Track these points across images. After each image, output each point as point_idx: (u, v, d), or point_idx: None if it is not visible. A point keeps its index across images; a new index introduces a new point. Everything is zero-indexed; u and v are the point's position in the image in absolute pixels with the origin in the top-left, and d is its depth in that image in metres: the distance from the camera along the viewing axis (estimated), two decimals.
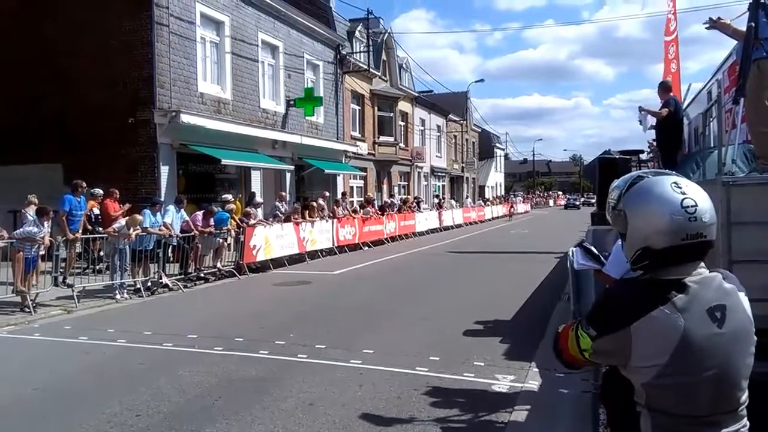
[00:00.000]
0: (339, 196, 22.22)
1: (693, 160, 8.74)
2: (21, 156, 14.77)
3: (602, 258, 2.86)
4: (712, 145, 7.92)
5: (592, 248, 2.78)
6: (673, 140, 8.28)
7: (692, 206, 1.57)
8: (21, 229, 9.52)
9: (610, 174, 7.38)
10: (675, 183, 1.63)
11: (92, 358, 6.80)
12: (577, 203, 65.73)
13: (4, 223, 10.31)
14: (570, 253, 7.66)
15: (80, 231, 11.42)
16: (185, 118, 15.04)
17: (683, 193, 1.60)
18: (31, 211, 9.73)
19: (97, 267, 11.87)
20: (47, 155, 14.82)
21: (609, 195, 1.77)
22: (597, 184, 7.28)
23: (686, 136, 9.72)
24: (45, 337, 7.88)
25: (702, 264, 1.64)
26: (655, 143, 9.34)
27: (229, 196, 14.95)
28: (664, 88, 8.51)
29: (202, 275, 12.73)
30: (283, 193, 17.81)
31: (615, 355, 1.63)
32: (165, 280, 11.30)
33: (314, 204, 17.92)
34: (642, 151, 11.06)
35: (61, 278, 10.77)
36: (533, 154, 79.04)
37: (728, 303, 1.60)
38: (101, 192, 12.60)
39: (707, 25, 5.53)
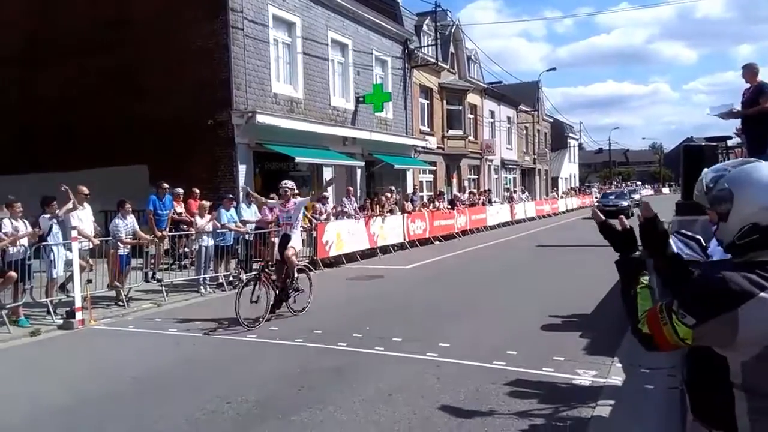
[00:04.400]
0: (410, 190, 22.29)
1: None
2: (109, 159, 15.69)
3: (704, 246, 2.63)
4: None
5: (696, 236, 2.52)
6: (762, 126, 7.80)
7: None
8: (112, 224, 10.24)
9: (696, 162, 7.05)
10: None
11: (183, 348, 7.20)
12: (626, 203, 32.42)
13: (97, 222, 11.01)
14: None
15: (167, 229, 12.05)
16: (260, 119, 15.53)
17: None
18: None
19: (182, 263, 12.49)
20: (133, 157, 15.67)
21: (702, 180, 1.76)
22: (682, 173, 6.97)
23: None
24: (138, 329, 8.38)
25: None
26: (741, 129, 8.80)
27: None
28: (753, 71, 7.98)
29: None
30: (350, 188, 17.96)
31: (718, 338, 1.60)
32: (243, 276, 11.71)
33: (384, 197, 18.08)
34: (729, 137, 10.48)
35: (150, 274, 11.40)
36: (609, 143, 76.19)
37: None
38: (181, 191, 13.21)
39: None
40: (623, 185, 62.89)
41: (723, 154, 9.79)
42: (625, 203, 32.04)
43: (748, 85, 7.88)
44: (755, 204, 1.63)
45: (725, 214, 1.69)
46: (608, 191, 43.70)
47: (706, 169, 1.80)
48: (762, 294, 1.53)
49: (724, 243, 1.74)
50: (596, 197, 43.91)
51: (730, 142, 10.66)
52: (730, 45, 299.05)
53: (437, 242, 19.67)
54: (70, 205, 9.36)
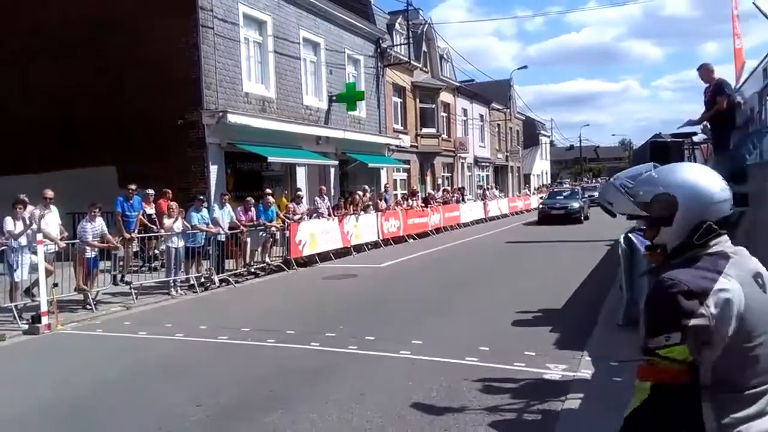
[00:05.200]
0: (382, 189, 22.31)
1: (749, 141, 8.42)
2: (77, 160, 15.37)
3: None
4: None
5: None
6: (726, 121, 8.00)
7: (724, 181, 1.71)
8: (79, 226, 10.04)
9: (662, 158, 7.20)
10: (700, 167, 1.76)
11: (152, 351, 7.09)
12: (578, 204, 26.06)
13: (64, 225, 10.78)
14: (621, 240, 7.48)
15: (136, 231, 11.85)
16: (232, 118, 15.36)
17: (710, 170, 1.74)
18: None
19: (152, 265, 12.31)
20: (102, 158, 15.38)
21: (615, 190, 1.80)
22: None
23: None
24: (107, 332, 8.22)
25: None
26: (708, 125, 9.01)
27: (268, 191, 15.11)
28: (708, 70, 8.20)
29: (252, 270, 13.03)
30: (323, 187, 17.83)
31: (704, 335, 1.54)
32: (215, 278, 11.60)
33: (357, 196, 18.05)
34: (695, 134, 10.71)
35: (119, 276, 11.21)
36: (580, 140, 77.05)
37: (762, 270, 1.66)
38: (153, 192, 13.01)
39: None
40: (593, 181, 63.54)
41: (689, 149, 10.00)
42: (576, 205, 25.92)
43: (709, 84, 8.07)
44: (702, 203, 1.66)
45: (668, 219, 1.70)
46: (556, 190, 33.47)
47: (605, 180, 1.84)
48: (716, 285, 1.54)
49: (669, 246, 1.73)
50: (541, 198, 33.97)
51: (696, 138, 10.88)
52: (696, 43, 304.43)
53: (411, 240, 19.73)
54: (34, 226, 9.03)
